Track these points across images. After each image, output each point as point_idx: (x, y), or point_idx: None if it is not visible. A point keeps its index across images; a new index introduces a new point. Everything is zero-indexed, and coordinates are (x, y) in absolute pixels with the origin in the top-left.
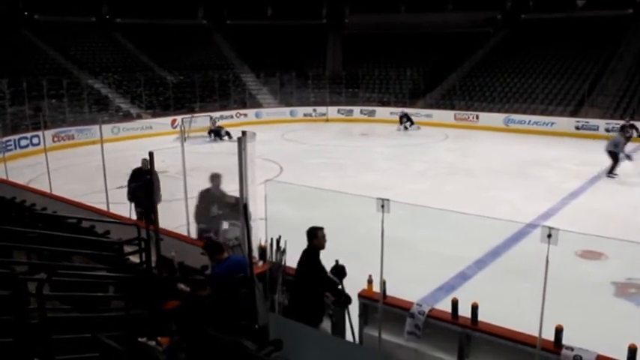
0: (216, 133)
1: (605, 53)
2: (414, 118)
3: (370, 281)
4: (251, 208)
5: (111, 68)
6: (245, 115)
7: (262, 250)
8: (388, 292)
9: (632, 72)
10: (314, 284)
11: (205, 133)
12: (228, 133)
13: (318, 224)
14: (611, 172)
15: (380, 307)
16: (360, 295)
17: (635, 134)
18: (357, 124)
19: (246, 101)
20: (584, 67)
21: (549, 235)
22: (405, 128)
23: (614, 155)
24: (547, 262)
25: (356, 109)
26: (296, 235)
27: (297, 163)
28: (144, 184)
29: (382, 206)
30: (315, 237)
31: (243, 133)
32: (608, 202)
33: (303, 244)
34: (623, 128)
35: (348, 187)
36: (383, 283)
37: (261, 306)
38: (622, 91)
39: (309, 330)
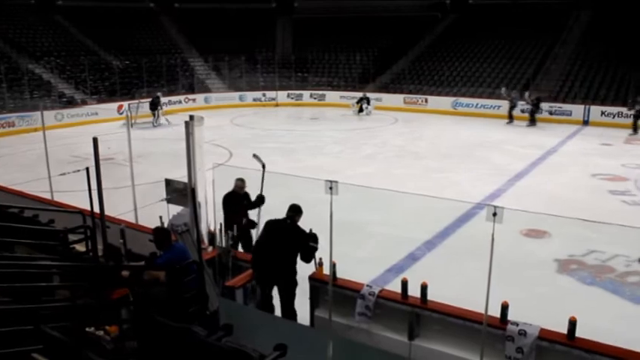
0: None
1: (549, 39)
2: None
3: (320, 264)
4: (200, 194)
5: (53, 52)
6: (194, 100)
7: (212, 236)
8: (339, 275)
9: (574, 57)
10: (298, 251)
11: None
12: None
13: (269, 208)
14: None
15: (330, 289)
16: (311, 278)
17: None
18: (307, 109)
19: (195, 86)
20: (529, 52)
21: (494, 214)
22: (361, 110)
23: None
24: (492, 239)
25: (306, 94)
26: None
27: (246, 147)
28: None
29: (330, 188)
30: (300, 214)
31: (191, 117)
32: (551, 182)
33: None
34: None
35: (298, 171)
36: (333, 266)
37: (211, 291)
38: (565, 75)
39: (260, 314)
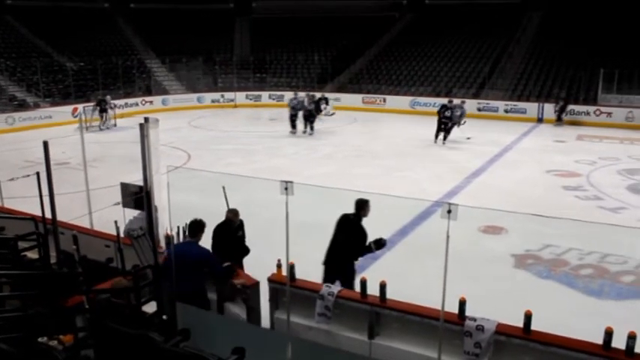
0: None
1: (503, 38)
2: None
3: (279, 265)
4: (156, 197)
5: (3, 54)
6: (151, 102)
7: (169, 239)
8: (299, 276)
9: (527, 56)
10: (353, 249)
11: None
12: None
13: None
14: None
15: (287, 289)
16: (270, 280)
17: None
18: (266, 110)
19: (152, 88)
20: (484, 51)
21: (449, 212)
22: (320, 110)
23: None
24: (447, 237)
25: (264, 95)
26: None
27: (205, 150)
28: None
29: (286, 189)
30: (363, 208)
31: (146, 119)
32: (508, 179)
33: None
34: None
35: (257, 172)
36: (290, 267)
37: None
38: (519, 73)
39: (218, 317)
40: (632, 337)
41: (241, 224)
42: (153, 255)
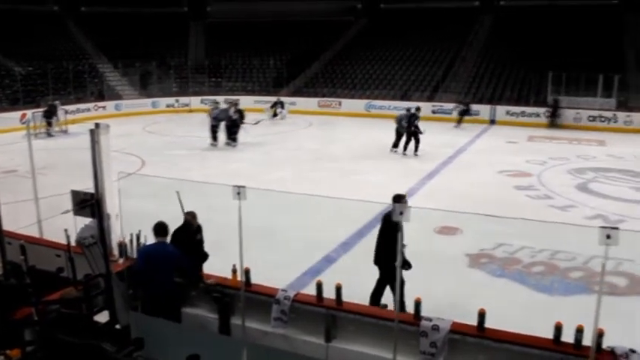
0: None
1: (456, 42)
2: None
3: (234, 271)
4: (109, 204)
5: None
6: (104, 107)
7: (122, 247)
8: (255, 281)
9: (479, 60)
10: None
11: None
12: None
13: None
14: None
15: (242, 294)
16: (225, 286)
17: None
18: None
19: (105, 93)
20: (438, 55)
21: (401, 213)
22: (275, 114)
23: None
24: (401, 238)
25: (220, 99)
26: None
27: (160, 155)
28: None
29: (238, 193)
30: (400, 203)
31: (96, 125)
32: (462, 180)
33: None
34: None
35: (212, 177)
36: (245, 272)
37: (122, 304)
38: (472, 77)
39: (172, 325)
40: (579, 331)
41: (199, 228)
42: (105, 263)
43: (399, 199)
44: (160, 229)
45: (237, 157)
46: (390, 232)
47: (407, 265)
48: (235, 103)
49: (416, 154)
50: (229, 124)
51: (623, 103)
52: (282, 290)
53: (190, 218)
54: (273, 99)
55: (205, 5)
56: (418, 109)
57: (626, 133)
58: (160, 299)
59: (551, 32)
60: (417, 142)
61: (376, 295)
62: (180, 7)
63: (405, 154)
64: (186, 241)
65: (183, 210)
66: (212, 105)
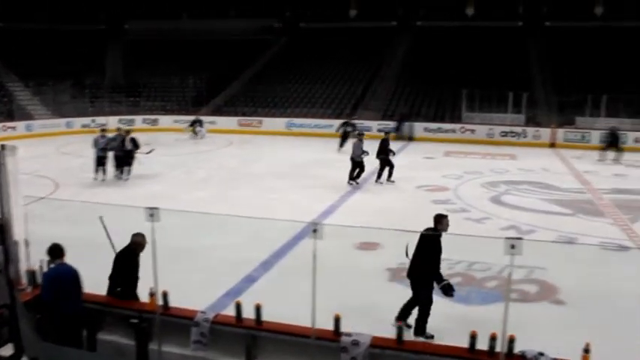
0: None
1: (375, 61)
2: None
3: (152, 294)
4: (16, 230)
5: None
6: (13, 128)
7: (32, 274)
8: (174, 304)
9: (398, 78)
10: (430, 263)
11: None
12: None
13: (96, 240)
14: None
15: (157, 318)
16: (142, 310)
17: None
18: (140, 134)
19: (14, 113)
20: (357, 73)
21: (314, 231)
22: (195, 133)
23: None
24: (314, 256)
25: (138, 119)
26: (71, 255)
27: (74, 178)
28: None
29: (151, 215)
30: (440, 222)
31: (2, 147)
32: (381, 196)
33: (78, 263)
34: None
35: (131, 199)
36: (163, 295)
37: (31, 336)
38: (390, 94)
39: (87, 355)
40: (493, 339)
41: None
42: (9, 292)
43: (439, 218)
44: (56, 249)
45: (157, 178)
46: (425, 248)
47: (449, 288)
48: (128, 131)
49: (391, 181)
50: (121, 155)
51: (532, 119)
52: (201, 312)
53: (141, 239)
54: (192, 118)
55: (123, 23)
56: (388, 132)
57: (535, 148)
58: (70, 322)
59: (465, 52)
60: (391, 167)
61: (406, 310)
62: (97, 24)
63: (380, 183)
64: (131, 263)
65: (108, 235)
66: (98, 132)
